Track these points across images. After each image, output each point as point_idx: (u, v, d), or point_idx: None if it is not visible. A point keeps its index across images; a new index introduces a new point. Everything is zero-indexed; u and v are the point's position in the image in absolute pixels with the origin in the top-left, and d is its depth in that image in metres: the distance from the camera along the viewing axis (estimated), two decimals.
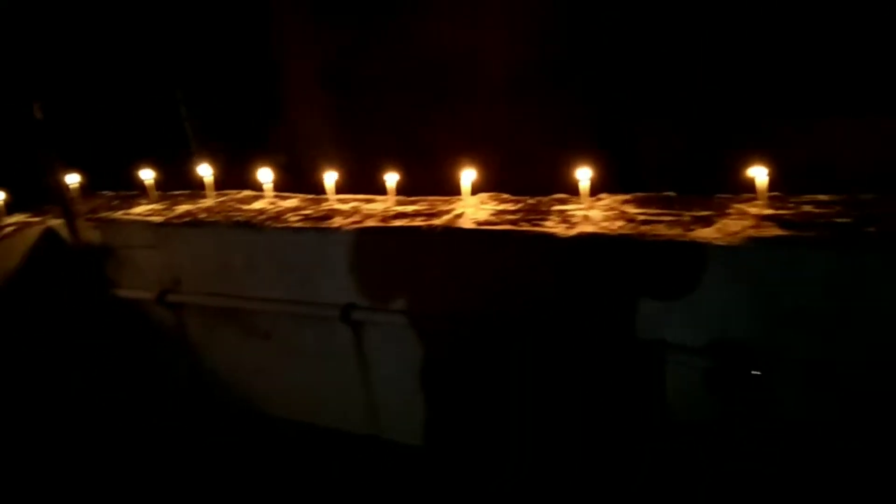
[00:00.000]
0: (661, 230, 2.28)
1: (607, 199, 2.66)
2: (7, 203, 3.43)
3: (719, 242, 2.13)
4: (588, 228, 2.36)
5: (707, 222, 2.30)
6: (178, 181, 3.64)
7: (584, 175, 2.54)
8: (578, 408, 2.53)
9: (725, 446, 2.28)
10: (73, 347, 3.35)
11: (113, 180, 3.82)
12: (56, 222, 3.32)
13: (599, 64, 3.29)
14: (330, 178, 3.01)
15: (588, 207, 2.57)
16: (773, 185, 2.43)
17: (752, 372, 2.11)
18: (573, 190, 2.70)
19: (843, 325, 2.00)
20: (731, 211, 2.38)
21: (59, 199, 3.15)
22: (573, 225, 2.42)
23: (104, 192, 3.74)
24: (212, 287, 3.11)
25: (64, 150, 3.63)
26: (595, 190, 2.69)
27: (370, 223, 2.71)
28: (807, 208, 2.32)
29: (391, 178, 2.91)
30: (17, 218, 3.45)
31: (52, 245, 3.34)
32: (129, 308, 3.33)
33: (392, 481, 2.83)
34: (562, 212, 2.58)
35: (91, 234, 3.28)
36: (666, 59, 3.16)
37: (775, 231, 2.13)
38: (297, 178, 3.44)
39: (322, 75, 4.36)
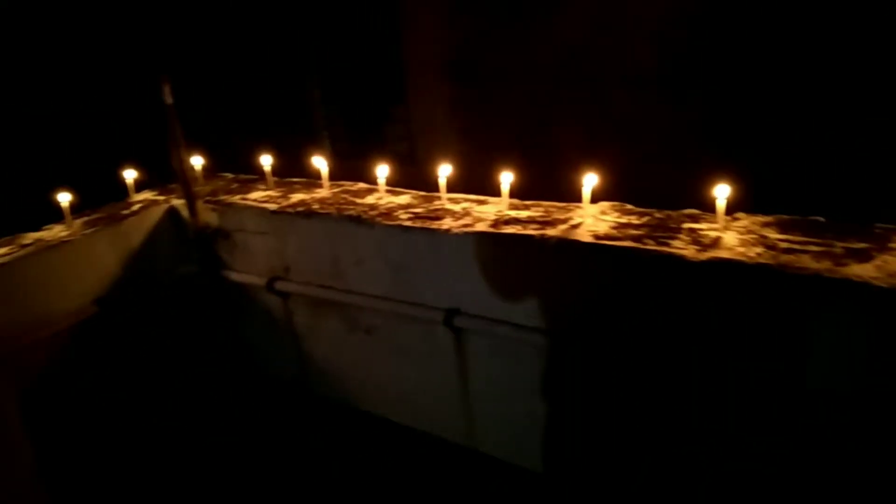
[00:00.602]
0: (807, 262, 2.01)
1: (745, 221, 2.39)
2: (137, 181, 3.56)
3: (879, 283, 1.84)
4: (722, 254, 2.12)
5: (864, 257, 2.01)
6: (297, 168, 3.67)
7: (721, 192, 2.29)
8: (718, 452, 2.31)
9: None
10: (187, 328, 3.46)
11: (236, 163, 3.91)
12: (179, 202, 3.42)
13: (744, 64, 3.00)
14: (443, 174, 2.91)
15: (723, 228, 2.32)
16: None
17: None
18: (706, 205, 2.45)
19: None
20: (894, 245, 2.07)
21: (181, 180, 3.23)
22: (705, 248, 2.19)
23: (226, 175, 3.82)
24: (319, 278, 3.10)
25: (191, 132, 3.75)
26: (731, 208, 2.43)
27: (480, 227, 2.59)
28: None
29: (506, 179, 2.77)
30: (145, 195, 3.58)
31: (174, 224, 3.45)
32: (240, 291, 3.40)
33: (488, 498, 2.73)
34: (692, 230, 2.35)
35: (209, 216, 3.35)
36: (821, 60, 2.83)
37: None
38: (415, 172, 3.36)
39: (447, 66, 4.28)
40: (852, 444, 1.99)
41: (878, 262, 1.97)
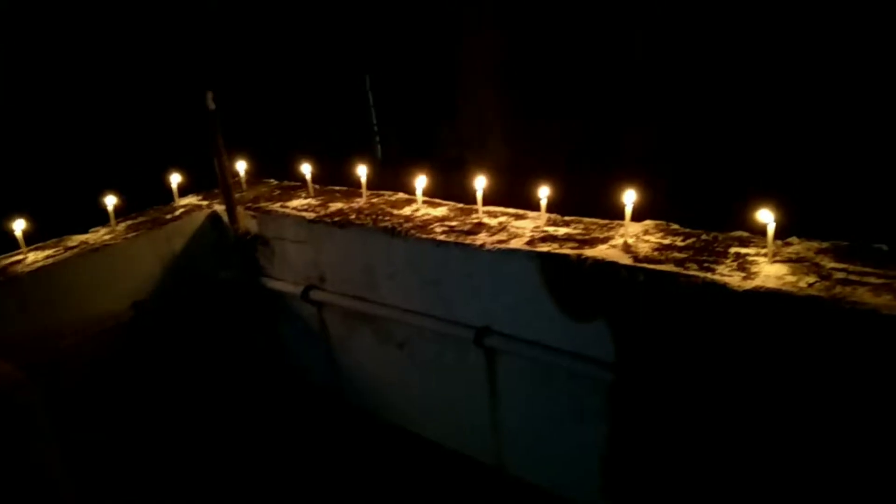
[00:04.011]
0: (864, 296, 1.84)
1: (798, 246, 2.21)
2: (181, 186, 3.60)
3: None
4: (768, 283, 1.96)
5: None
6: (344, 175, 3.64)
7: (769, 216, 2.12)
8: None
9: None
10: (225, 332, 3.47)
11: (284, 169, 3.91)
12: (221, 207, 3.44)
13: (807, 74, 2.81)
14: (480, 186, 2.82)
15: (772, 254, 2.15)
16: None
17: None
18: (758, 228, 2.27)
19: None
20: None
21: (222, 186, 3.24)
22: (751, 275, 2.03)
23: (270, 181, 3.83)
24: (354, 289, 3.06)
25: (239, 137, 3.78)
26: (784, 231, 2.26)
27: (515, 244, 2.49)
28: None
29: (543, 193, 2.66)
30: (189, 200, 3.62)
31: (216, 229, 3.47)
32: (277, 298, 3.39)
33: None
34: (739, 255, 2.19)
35: (249, 223, 3.35)
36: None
37: None
38: (464, 181, 3.27)
39: (498, 75, 4.21)
40: None
41: None
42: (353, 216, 3.03)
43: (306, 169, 3.41)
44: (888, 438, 1.80)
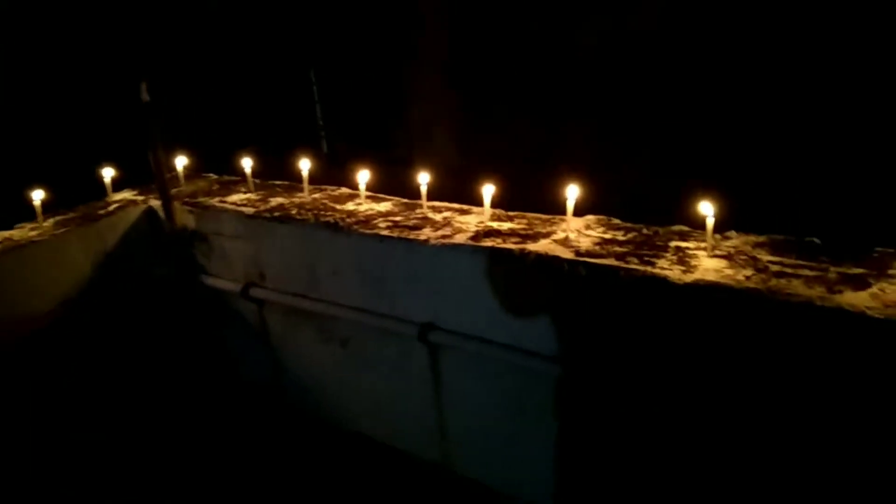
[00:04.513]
0: (798, 288, 1.87)
1: (736, 240, 2.25)
2: (115, 179, 3.45)
3: (874, 314, 1.70)
4: (709, 277, 1.98)
5: (860, 283, 1.87)
6: (289, 170, 3.55)
7: (709, 209, 2.14)
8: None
9: None
10: (162, 331, 3.35)
11: (223, 164, 3.79)
12: (157, 203, 3.31)
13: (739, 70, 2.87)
14: (423, 181, 2.78)
15: (711, 248, 2.17)
16: None
17: None
18: (697, 222, 2.30)
19: None
20: (894, 272, 1.92)
21: (157, 180, 3.12)
22: (691, 269, 2.05)
23: (210, 176, 3.71)
24: (295, 286, 2.98)
25: (178, 132, 3.64)
26: (723, 225, 2.29)
27: (459, 239, 2.46)
28: None
29: (487, 190, 2.64)
30: (123, 195, 3.48)
31: (152, 225, 3.34)
32: (216, 296, 3.28)
33: None
34: (679, 249, 2.21)
35: (186, 218, 3.24)
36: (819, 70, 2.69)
37: None
38: (412, 176, 3.23)
39: (446, 72, 4.17)
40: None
41: (874, 289, 1.83)
42: (294, 211, 2.96)
43: (246, 163, 3.32)
44: (825, 424, 1.84)
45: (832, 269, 1.97)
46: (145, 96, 3.00)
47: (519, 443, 2.54)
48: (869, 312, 1.71)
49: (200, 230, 3.22)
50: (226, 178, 3.63)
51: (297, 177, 3.30)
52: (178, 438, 3.17)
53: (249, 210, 3.04)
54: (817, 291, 1.84)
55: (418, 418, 2.80)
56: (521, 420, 2.50)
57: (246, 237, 3.06)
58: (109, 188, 3.44)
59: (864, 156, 2.74)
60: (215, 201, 3.20)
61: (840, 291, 1.83)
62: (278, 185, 3.39)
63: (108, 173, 3.42)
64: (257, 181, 3.39)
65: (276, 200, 3.14)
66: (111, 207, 3.29)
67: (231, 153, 3.68)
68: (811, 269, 1.98)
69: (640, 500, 2.28)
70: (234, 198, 3.23)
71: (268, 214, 2.96)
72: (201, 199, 3.25)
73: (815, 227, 2.21)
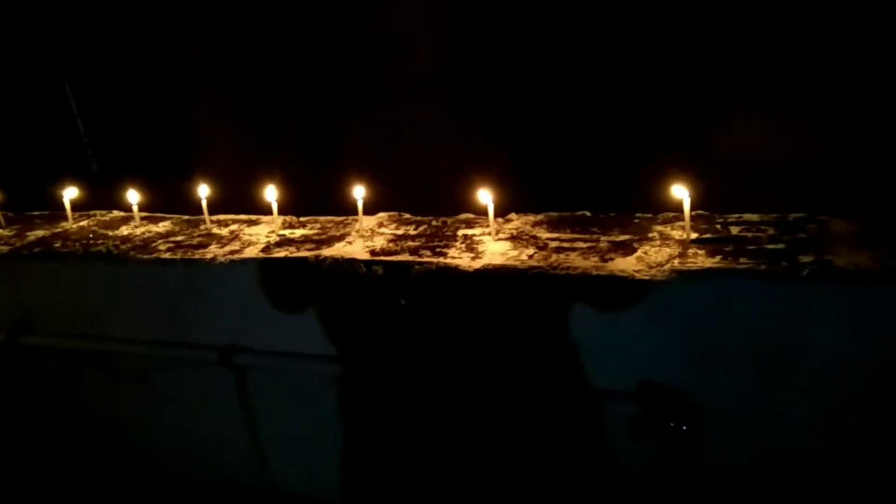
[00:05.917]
0: (576, 260, 2.01)
1: (517, 221, 2.37)
2: None
3: (642, 276, 1.87)
4: (495, 260, 2.06)
5: (627, 249, 2.04)
6: (48, 199, 3.16)
7: (487, 197, 2.23)
8: (497, 459, 2.25)
9: (661, 495, 2.05)
10: None
11: None
12: None
13: (505, 65, 3.02)
14: (203, 194, 2.62)
15: (496, 232, 2.27)
16: (698, 200, 2.18)
17: (674, 423, 1.87)
18: (482, 208, 2.39)
19: (777, 368, 1.78)
20: (653, 235, 2.13)
21: None
22: (479, 255, 2.12)
23: None
24: (73, 326, 2.67)
25: None
26: (505, 208, 2.40)
27: (249, 254, 2.35)
28: (735, 230, 2.08)
29: (272, 195, 2.54)
30: None
31: None
32: None
33: None
34: (467, 237, 2.28)
35: None
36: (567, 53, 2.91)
37: (704, 262, 1.89)
38: (191, 191, 3.02)
39: (216, 74, 3.95)
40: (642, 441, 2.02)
41: (640, 253, 2.01)
42: (58, 244, 2.65)
43: None
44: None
45: (603, 238, 2.13)
46: None
47: (331, 449, 2.49)
48: (637, 276, 1.87)
49: None
50: None
51: (61, 204, 2.96)
52: None
53: (3, 248, 2.67)
54: (592, 262, 1.98)
55: (233, 445, 2.65)
56: (329, 426, 2.45)
57: (2, 279, 2.69)
58: None
59: (617, 130, 3.00)
60: None
61: (612, 259, 1.99)
62: (37, 216, 3.03)
63: None
64: (10, 214, 3.00)
65: (35, 234, 2.80)
66: None
67: None
68: (584, 241, 2.14)
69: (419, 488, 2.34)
70: None
71: (26, 251, 2.63)
72: None
73: (584, 201, 2.38)
